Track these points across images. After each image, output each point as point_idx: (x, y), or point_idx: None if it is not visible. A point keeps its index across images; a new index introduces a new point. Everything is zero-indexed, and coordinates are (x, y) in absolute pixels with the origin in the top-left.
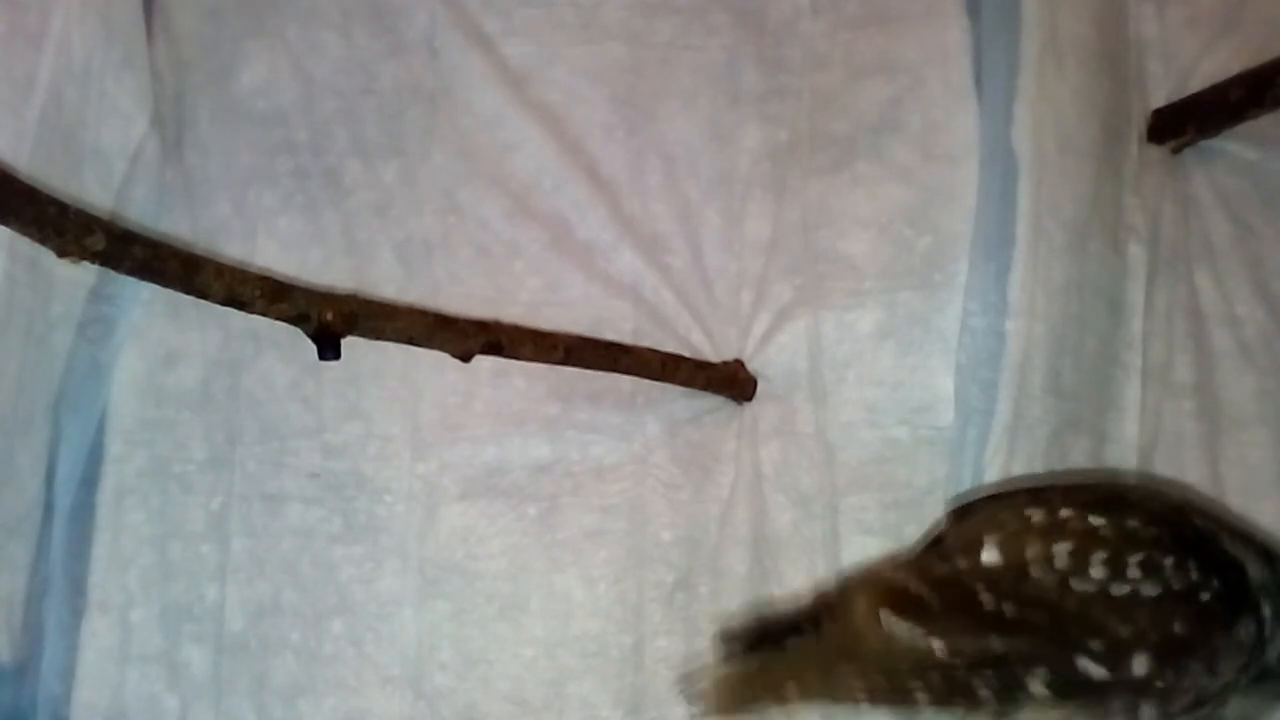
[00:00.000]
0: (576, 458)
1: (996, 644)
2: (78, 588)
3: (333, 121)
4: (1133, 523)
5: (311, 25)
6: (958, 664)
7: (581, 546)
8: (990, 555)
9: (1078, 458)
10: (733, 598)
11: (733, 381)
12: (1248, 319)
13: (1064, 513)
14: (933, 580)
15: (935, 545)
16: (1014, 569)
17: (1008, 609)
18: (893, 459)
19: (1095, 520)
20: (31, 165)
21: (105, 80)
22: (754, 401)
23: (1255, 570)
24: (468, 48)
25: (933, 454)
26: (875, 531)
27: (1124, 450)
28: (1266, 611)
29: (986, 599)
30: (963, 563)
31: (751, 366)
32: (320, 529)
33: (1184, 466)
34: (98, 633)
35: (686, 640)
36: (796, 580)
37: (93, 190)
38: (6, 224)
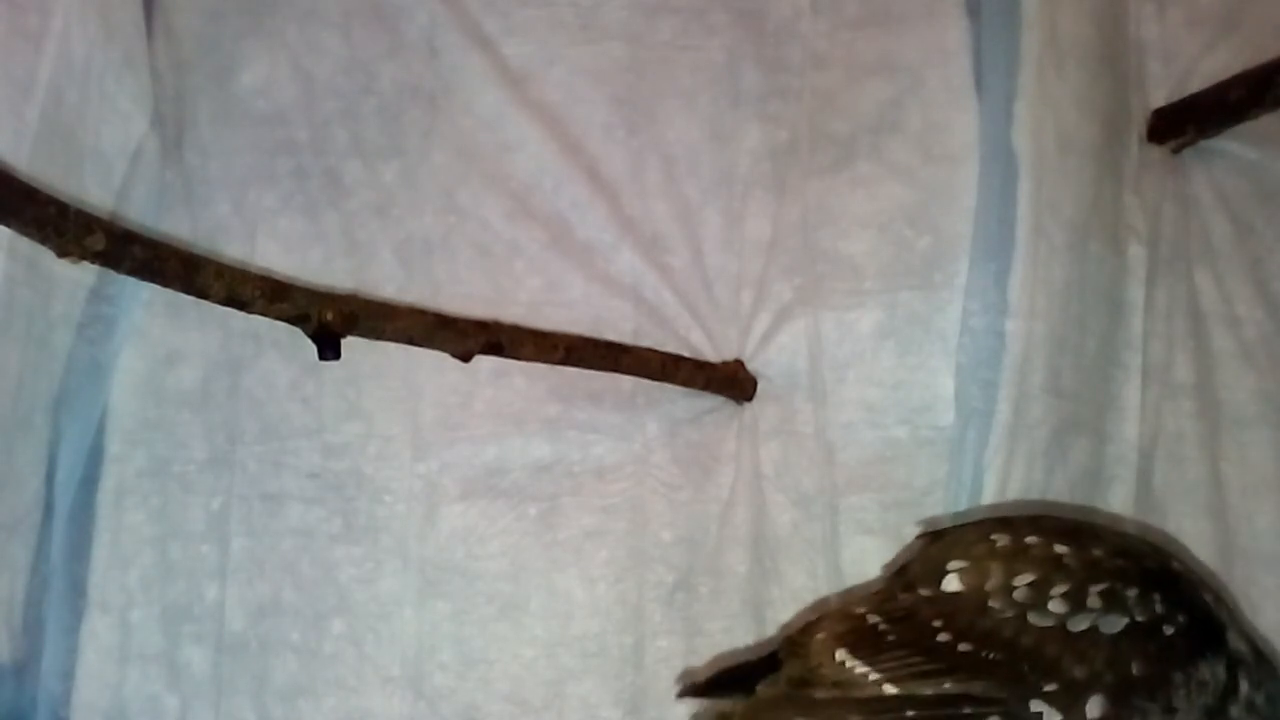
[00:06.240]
0: (577, 458)
1: (950, 687)
2: (78, 588)
3: (333, 121)
4: (1097, 552)
5: (311, 25)
6: (909, 710)
7: (582, 546)
8: (952, 584)
9: (1078, 458)
10: (733, 598)
11: (733, 381)
12: (1248, 319)
13: (1029, 539)
14: (891, 613)
15: (901, 573)
16: (974, 600)
17: (963, 646)
18: (893, 459)
19: (1060, 548)
20: (31, 165)
21: (105, 80)
22: (754, 401)
23: (1235, 640)
24: (468, 48)
25: (933, 454)
26: (875, 531)
27: (1124, 450)
28: (1244, 687)
29: (943, 635)
30: (925, 591)
31: (751, 366)
32: (320, 529)
33: (1184, 466)
34: (98, 633)
35: (686, 640)
36: (797, 580)
37: (93, 190)
38: (6, 224)
